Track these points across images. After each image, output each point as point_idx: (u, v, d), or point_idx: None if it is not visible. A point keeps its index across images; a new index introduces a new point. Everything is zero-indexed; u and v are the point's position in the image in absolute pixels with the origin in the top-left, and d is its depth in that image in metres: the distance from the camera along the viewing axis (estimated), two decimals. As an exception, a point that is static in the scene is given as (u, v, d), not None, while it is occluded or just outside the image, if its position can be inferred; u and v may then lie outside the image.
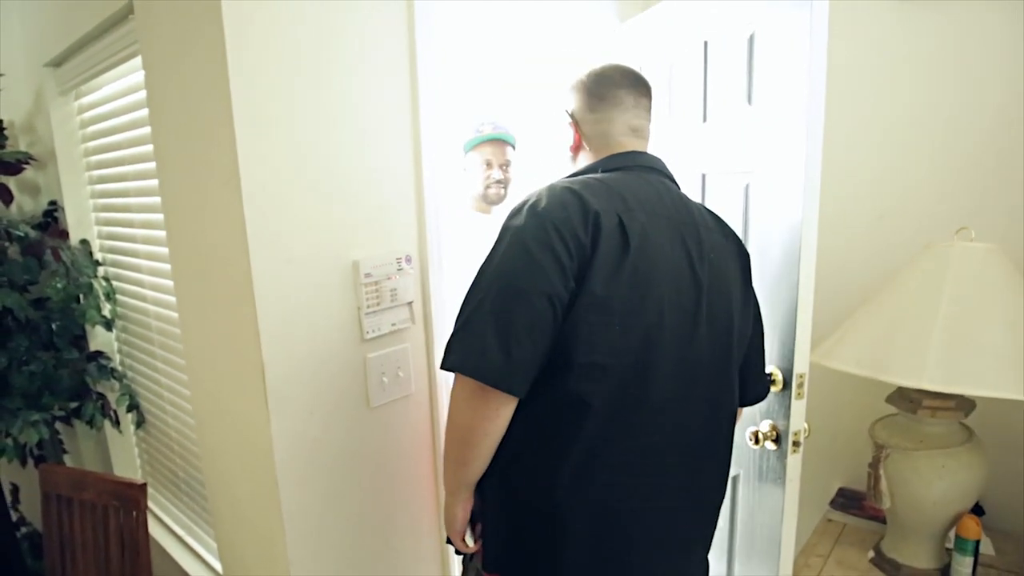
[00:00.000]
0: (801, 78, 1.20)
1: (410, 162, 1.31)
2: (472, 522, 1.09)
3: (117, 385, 2.17)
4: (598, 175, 1.05)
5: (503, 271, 0.94)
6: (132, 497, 1.60)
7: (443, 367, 0.95)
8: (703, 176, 1.54)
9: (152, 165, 1.59)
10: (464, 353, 0.92)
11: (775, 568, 1.38)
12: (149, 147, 1.65)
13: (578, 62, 1.34)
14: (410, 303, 1.34)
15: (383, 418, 1.33)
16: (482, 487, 1.04)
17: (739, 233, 1.40)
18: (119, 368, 2.22)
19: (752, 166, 1.36)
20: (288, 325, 1.15)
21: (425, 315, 1.38)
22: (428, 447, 1.43)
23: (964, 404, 1.44)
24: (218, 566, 1.76)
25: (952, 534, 1.45)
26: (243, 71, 1.04)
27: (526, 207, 0.97)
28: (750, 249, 1.38)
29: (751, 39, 1.33)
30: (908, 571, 1.49)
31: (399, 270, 1.30)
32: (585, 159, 1.13)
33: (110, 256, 2.15)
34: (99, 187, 2.09)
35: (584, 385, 0.95)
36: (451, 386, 0.99)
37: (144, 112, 1.61)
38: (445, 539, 1.15)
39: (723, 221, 1.17)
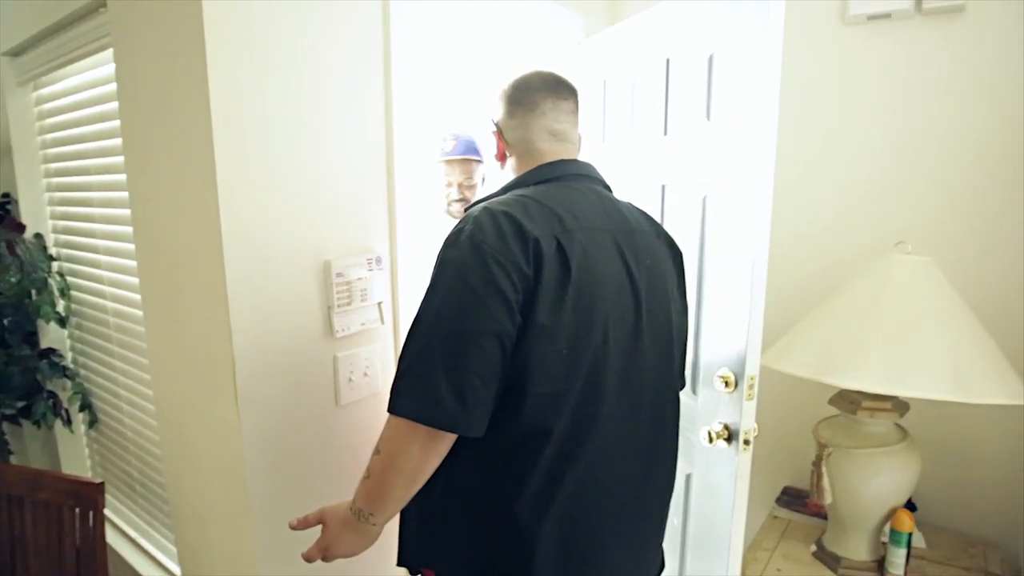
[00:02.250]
0: (756, 98, 1.28)
1: (383, 164, 1.34)
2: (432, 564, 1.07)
3: (69, 383, 2.12)
4: (528, 190, 1.04)
5: (448, 312, 0.92)
6: (90, 497, 1.56)
7: (395, 413, 0.91)
8: (663, 187, 1.60)
9: (116, 160, 1.57)
10: (417, 401, 0.90)
11: (725, 562, 1.44)
12: (112, 142, 1.63)
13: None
14: (380, 303, 1.36)
15: (351, 416, 1.35)
16: (448, 525, 1.03)
17: (696, 241, 1.47)
18: (71, 366, 2.17)
19: (710, 179, 1.43)
20: (259, 324, 1.16)
21: (394, 315, 1.41)
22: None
23: (900, 406, 1.54)
24: (176, 570, 1.73)
25: (887, 528, 1.55)
26: (222, 71, 1.05)
27: (463, 236, 0.95)
28: (706, 257, 1.46)
29: (710, 59, 1.40)
30: (847, 563, 1.58)
31: (370, 271, 1.33)
32: (512, 166, 1.15)
33: (65, 251, 2.10)
34: (55, 180, 2.04)
35: (542, 414, 0.95)
36: (388, 425, 0.94)
37: (108, 106, 1.60)
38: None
39: (655, 221, 1.19)
